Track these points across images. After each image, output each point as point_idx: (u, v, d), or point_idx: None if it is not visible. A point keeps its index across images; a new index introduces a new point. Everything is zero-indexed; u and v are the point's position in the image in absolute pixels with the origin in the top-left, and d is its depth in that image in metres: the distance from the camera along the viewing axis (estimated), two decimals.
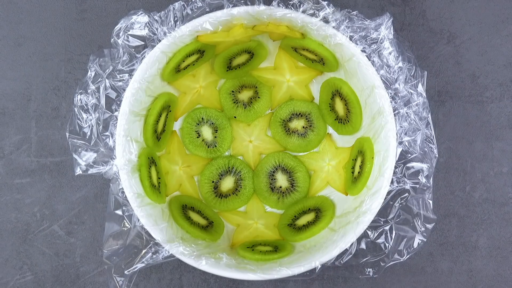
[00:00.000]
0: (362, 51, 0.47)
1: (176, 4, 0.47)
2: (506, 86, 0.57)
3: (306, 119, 0.54)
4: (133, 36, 0.47)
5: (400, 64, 0.47)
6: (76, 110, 0.48)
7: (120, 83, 0.47)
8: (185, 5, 0.47)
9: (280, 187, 0.54)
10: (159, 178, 0.50)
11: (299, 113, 0.54)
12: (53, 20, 0.57)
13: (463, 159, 0.57)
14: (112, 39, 0.47)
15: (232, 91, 0.54)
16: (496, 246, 0.57)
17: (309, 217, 0.52)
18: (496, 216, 0.57)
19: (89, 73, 0.48)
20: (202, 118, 0.53)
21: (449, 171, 0.57)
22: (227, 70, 0.52)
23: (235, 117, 0.54)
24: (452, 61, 0.58)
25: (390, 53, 0.47)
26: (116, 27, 0.47)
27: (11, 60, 0.57)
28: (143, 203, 0.46)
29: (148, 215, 0.46)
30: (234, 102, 0.54)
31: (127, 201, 0.46)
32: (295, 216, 0.52)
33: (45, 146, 0.57)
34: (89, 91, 0.48)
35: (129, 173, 0.46)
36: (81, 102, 0.48)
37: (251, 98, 0.54)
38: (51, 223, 0.57)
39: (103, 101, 0.48)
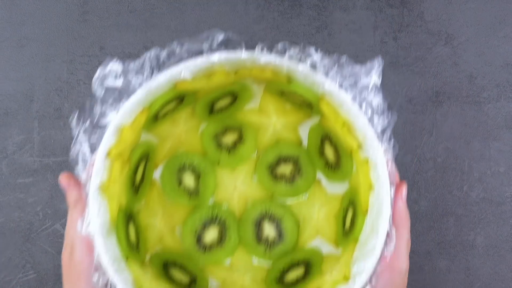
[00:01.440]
0: (352, 98, 0.42)
1: (152, 52, 0.44)
2: (503, 86, 0.58)
3: (294, 163, 0.50)
4: (109, 88, 0.44)
5: (387, 113, 0.44)
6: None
7: (95, 140, 0.44)
8: (161, 52, 0.44)
9: (267, 236, 0.49)
10: (138, 235, 0.46)
11: (287, 158, 0.50)
12: (55, 22, 0.58)
13: (461, 159, 0.58)
14: (93, 90, 0.44)
15: (215, 135, 0.50)
16: (493, 245, 0.57)
17: (299, 271, 0.47)
18: (493, 215, 0.57)
19: (74, 132, 0.43)
20: (184, 164, 0.49)
21: (447, 170, 0.58)
22: (210, 114, 0.48)
23: (218, 163, 0.50)
24: (449, 62, 0.58)
25: (378, 102, 0.44)
26: (94, 77, 0.43)
27: (13, 61, 0.58)
28: (120, 268, 0.41)
29: (125, 280, 0.41)
30: (218, 146, 0.50)
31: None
32: (283, 269, 0.48)
33: (48, 146, 0.57)
34: (75, 151, 0.44)
35: (105, 235, 0.41)
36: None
37: (235, 142, 0.50)
38: (54, 222, 0.57)
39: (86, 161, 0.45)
